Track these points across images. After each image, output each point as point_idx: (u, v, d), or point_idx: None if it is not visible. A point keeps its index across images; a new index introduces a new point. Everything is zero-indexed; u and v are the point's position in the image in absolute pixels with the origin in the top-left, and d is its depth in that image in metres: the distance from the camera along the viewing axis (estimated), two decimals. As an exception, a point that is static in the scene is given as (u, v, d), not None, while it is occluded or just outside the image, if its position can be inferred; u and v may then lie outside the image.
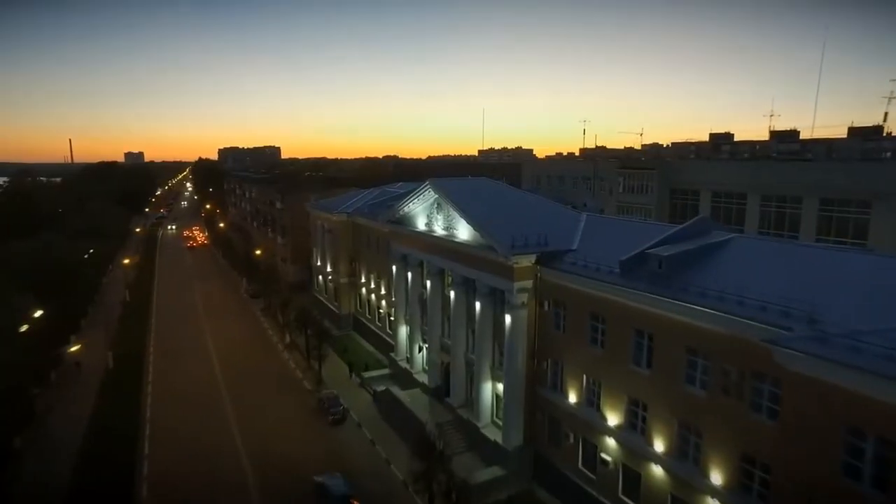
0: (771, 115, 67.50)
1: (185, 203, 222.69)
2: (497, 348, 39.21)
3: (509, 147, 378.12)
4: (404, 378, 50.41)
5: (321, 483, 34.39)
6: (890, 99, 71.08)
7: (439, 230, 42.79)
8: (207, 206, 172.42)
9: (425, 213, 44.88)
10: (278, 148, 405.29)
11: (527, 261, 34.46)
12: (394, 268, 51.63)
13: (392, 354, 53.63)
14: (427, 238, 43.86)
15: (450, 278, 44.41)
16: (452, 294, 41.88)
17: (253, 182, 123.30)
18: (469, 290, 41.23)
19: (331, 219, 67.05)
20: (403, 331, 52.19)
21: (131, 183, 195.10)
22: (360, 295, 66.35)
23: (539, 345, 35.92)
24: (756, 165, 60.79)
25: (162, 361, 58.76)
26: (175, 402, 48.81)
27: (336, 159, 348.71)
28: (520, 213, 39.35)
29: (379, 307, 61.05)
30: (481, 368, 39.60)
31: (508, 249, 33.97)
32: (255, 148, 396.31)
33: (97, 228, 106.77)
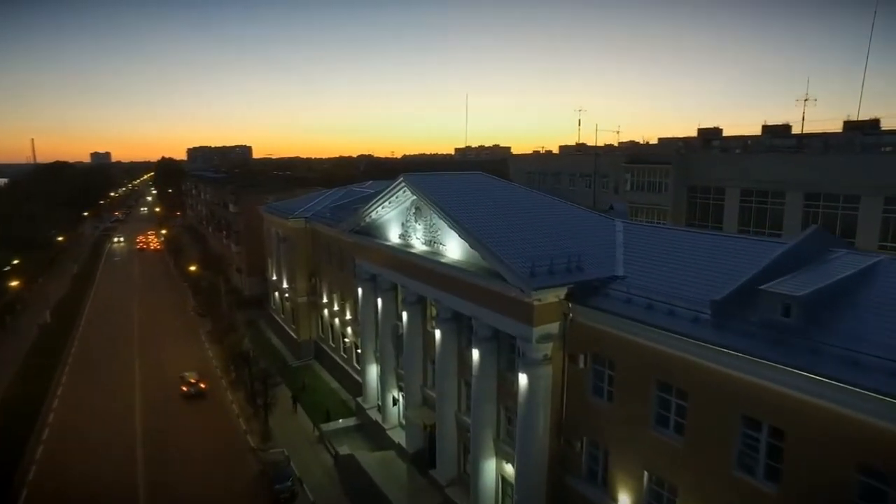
0: (805, 100, 56.72)
1: (144, 209, 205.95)
2: (503, 413, 27.20)
3: (487, 145, 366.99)
4: (375, 433, 38.10)
5: None
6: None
7: (419, 245, 30.61)
8: (160, 209, 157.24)
9: (399, 221, 32.64)
10: (249, 147, 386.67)
11: (554, 295, 22.48)
12: (360, 290, 39.25)
13: (360, 400, 41.19)
14: (402, 255, 31.60)
15: (434, 310, 32.26)
16: (438, 333, 29.71)
17: (208, 182, 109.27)
18: (462, 329, 29.16)
19: (286, 225, 54.28)
20: (373, 371, 39.84)
21: (85, 184, 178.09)
22: (321, 318, 53.69)
23: (569, 416, 23.99)
24: (802, 158, 49.75)
25: (63, 427, 42.69)
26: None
27: (309, 159, 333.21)
28: (532, 222, 27.26)
29: (344, 335, 48.53)
30: (480, 439, 27.48)
31: (527, 279, 21.90)
32: (224, 147, 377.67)
33: (29, 236, 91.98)
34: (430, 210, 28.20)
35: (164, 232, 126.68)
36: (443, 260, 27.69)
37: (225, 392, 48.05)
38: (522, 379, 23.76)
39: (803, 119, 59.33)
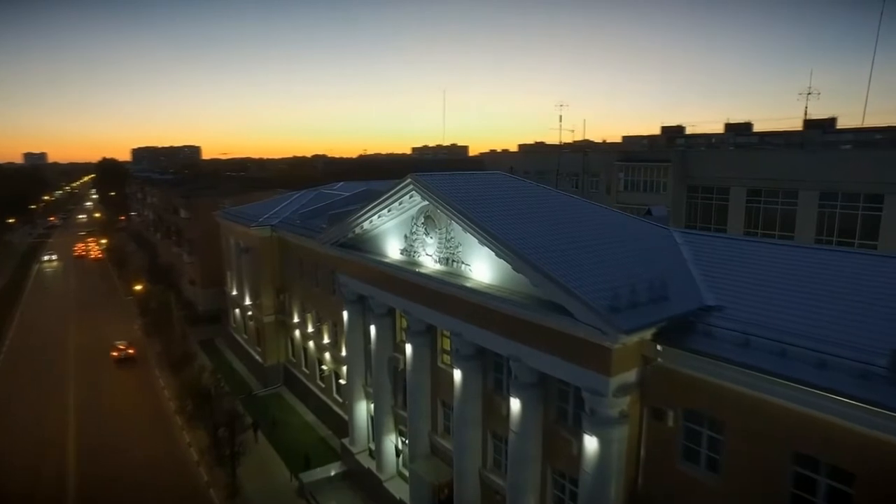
0: (808, 93, 53.28)
1: (83, 215, 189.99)
2: (551, 476, 21.21)
3: (444, 144, 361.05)
4: (368, 485, 31.47)
5: None
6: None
7: (430, 263, 24.27)
8: (101, 214, 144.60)
9: (401, 233, 26.20)
10: (198, 147, 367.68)
11: (639, 337, 16.67)
12: (345, 314, 32.52)
13: (346, 442, 34.44)
14: (407, 275, 25.18)
15: (446, 340, 26.03)
16: (458, 373, 23.44)
17: (155, 184, 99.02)
18: (489, 369, 23.05)
19: (248, 233, 46.75)
20: (363, 409, 33.20)
21: (15, 187, 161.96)
22: (292, 340, 46.45)
23: (648, 488, 18.23)
24: (820, 155, 45.84)
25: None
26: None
27: (261, 159, 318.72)
28: (580, 235, 21.33)
29: (321, 361, 41.57)
30: (518, 507, 21.46)
31: (608, 317, 15.95)
32: (171, 147, 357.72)
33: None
34: (453, 221, 21.83)
35: (103, 241, 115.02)
36: (468, 284, 21.44)
37: (181, 432, 40.28)
38: (590, 442, 17.82)
39: (805, 114, 56.27)
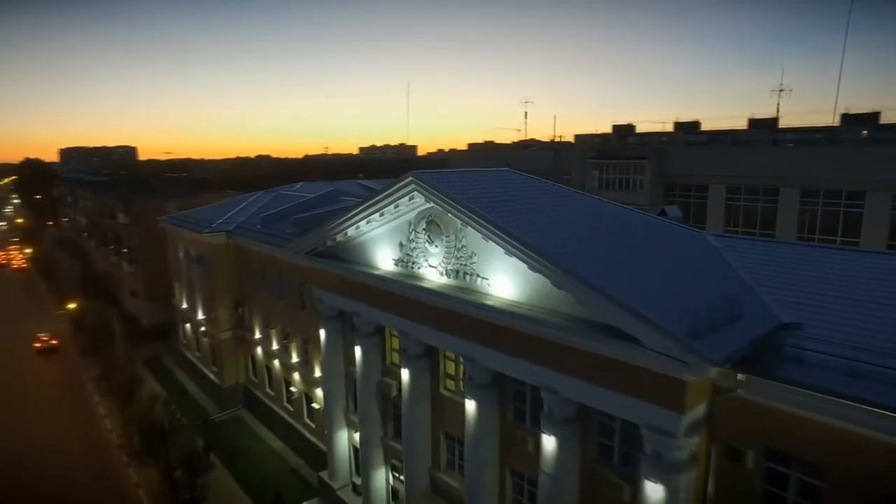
0: (780, 90, 52.87)
1: (3, 222, 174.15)
2: (588, 525, 18.04)
3: (392, 144, 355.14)
4: (353, 525, 27.55)
5: None
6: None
7: (433, 276, 20.60)
8: (24, 220, 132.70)
9: (395, 240, 22.40)
10: (134, 148, 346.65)
11: (717, 369, 13.67)
12: (322, 332, 28.39)
13: (324, 476, 30.26)
14: (405, 290, 21.46)
15: (450, 363, 22.50)
16: (471, 404, 19.92)
17: (88, 186, 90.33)
18: (508, 398, 19.69)
19: (200, 240, 41.55)
20: (344, 438, 29.18)
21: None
22: (254, 358, 41.63)
23: (719, 542, 15.36)
24: (801, 152, 44.89)
25: None
26: None
27: (202, 160, 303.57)
28: (615, 242, 18.34)
29: (289, 382, 37.08)
30: (548, 560, 18.19)
31: (692, 345, 12.91)
32: (105, 148, 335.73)
33: None
34: (469, 227, 18.23)
35: (28, 250, 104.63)
36: (489, 302, 17.95)
37: (127, 472, 34.90)
38: (653, 491, 14.71)
39: (778, 111, 55.92)
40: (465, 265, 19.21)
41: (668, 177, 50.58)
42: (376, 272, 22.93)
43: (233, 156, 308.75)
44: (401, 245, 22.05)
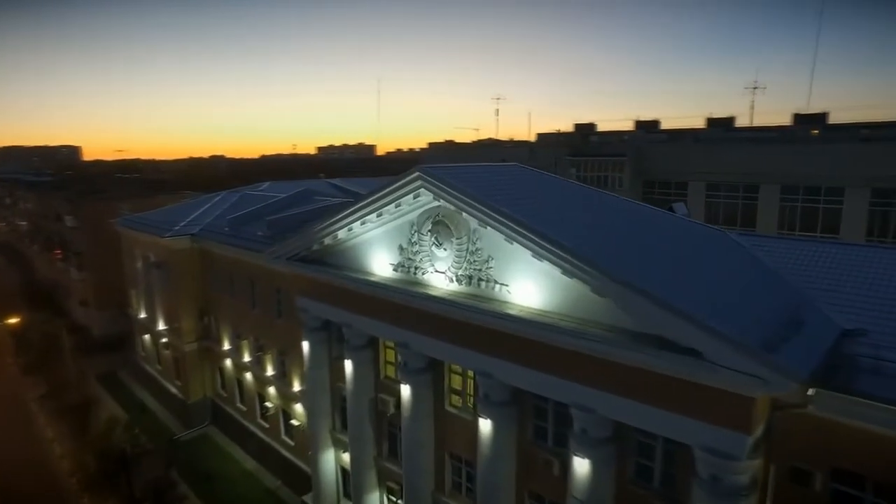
0: (755, 88, 53.00)
1: None
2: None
3: (350, 143, 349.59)
4: (343, 554, 25.15)
5: None
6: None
7: (442, 281, 18.48)
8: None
9: (394, 243, 20.16)
10: (78, 147, 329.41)
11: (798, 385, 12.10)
12: (306, 344, 25.84)
13: (308, 500, 27.63)
14: (407, 298, 19.26)
15: (455, 377, 20.44)
16: (486, 423, 17.92)
17: (29, 187, 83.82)
18: (528, 417, 17.79)
19: (160, 244, 38.05)
20: (330, 459, 26.69)
21: None
22: (222, 371, 38.46)
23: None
24: (780, 149, 44.79)
25: None
26: None
27: (152, 160, 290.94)
28: (650, 243, 16.75)
29: (264, 396, 34.20)
30: None
31: (771, 360, 11.29)
32: (46, 147, 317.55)
33: None
34: (489, 227, 16.17)
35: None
36: (514, 312, 15.97)
37: (81, 502, 31.28)
38: (710, 522, 13.12)
39: (752, 108, 55.88)
40: (481, 270, 17.19)
41: (646, 174, 49.98)
42: (373, 279, 20.65)
43: (185, 156, 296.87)
44: (401, 248, 19.84)
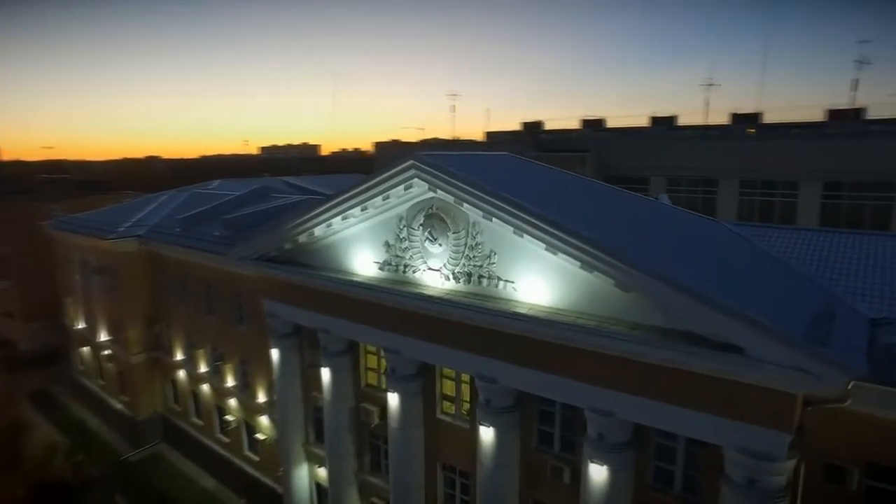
0: (710, 84, 54.13)
1: None
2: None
3: (294, 143, 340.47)
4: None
5: None
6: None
7: (437, 279, 16.96)
8: None
9: (378, 239, 18.51)
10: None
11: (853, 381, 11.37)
12: (275, 352, 23.75)
13: (280, 521, 25.65)
14: (397, 298, 17.69)
15: (449, 383, 19.03)
16: (488, 431, 16.61)
17: (-58, 190, 76.02)
18: (533, 423, 16.62)
19: (102, 247, 34.67)
20: (303, 475, 24.71)
21: None
22: (175, 383, 35.45)
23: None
24: (735, 145, 45.76)
25: None
26: None
27: (82, 161, 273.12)
28: (661, 233, 15.96)
29: (224, 409, 31.61)
30: None
31: (825, 355, 10.51)
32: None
33: None
34: (496, 219, 14.80)
35: None
36: (525, 310, 14.72)
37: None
38: (745, 529, 12.32)
39: (707, 104, 57.03)
40: (482, 266, 15.86)
41: (608, 169, 50.05)
42: (356, 279, 18.95)
43: (118, 157, 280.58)
44: (387, 245, 18.23)
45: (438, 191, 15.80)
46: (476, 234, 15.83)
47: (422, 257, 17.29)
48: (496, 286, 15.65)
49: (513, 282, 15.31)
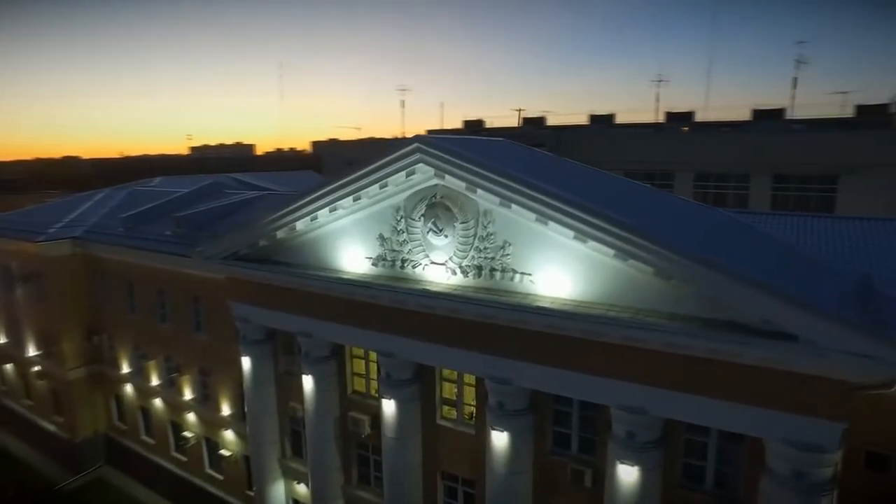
0: (660, 81, 55.16)
1: None
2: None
3: (227, 143, 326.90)
4: None
5: None
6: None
7: (441, 274, 15.56)
8: None
9: (371, 233, 16.90)
10: None
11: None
12: (246, 360, 21.61)
13: (253, 544, 23.45)
14: (397, 295, 16.15)
15: (450, 386, 17.72)
16: (502, 438, 15.41)
17: None
18: (547, 425, 15.60)
19: (29, 251, 30.85)
20: (279, 493, 22.64)
21: None
22: (120, 399, 32.12)
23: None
24: (689, 138, 46.86)
25: None
26: None
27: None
28: (682, 224, 15.34)
29: (180, 425, 28.80)
30: None
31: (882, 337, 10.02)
32: None
33: None
34: (516, 205, 13.56)
35: None
36: (546, 304, 13.61)
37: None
38: (793, 525, 11.76)
39: (657, 100, 58.37)
40: (494, 259, 14.64)
41: (566, 164, 50.18)
42: (346, 276, 17.28)
43: (30, 157, 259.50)
44: (382, 238, 16.67)
45: (447, 177, 14.45)
46: (487, 224, 14.60)
47: (424, 251, 15.87)
48: (511, 279, 14.48)
49: (530, 274, 14.19)
